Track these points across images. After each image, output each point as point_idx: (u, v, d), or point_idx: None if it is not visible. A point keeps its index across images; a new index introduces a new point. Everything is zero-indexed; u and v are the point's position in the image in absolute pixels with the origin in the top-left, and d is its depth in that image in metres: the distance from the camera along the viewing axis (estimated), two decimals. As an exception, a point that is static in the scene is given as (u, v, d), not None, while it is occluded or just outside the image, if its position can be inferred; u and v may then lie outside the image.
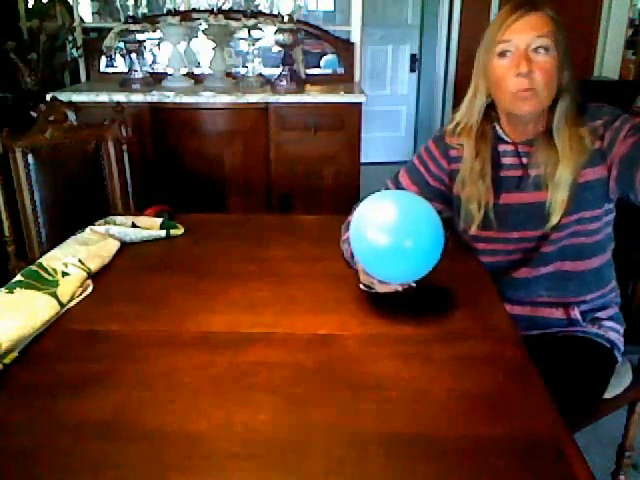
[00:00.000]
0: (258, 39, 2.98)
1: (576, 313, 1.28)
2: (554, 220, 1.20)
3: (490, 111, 1.27)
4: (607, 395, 1.30)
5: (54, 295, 1.13)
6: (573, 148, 1.17)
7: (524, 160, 1.26)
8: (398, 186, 1.38)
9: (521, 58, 1.14)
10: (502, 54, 1.17)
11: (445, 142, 1.34)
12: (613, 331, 1.31)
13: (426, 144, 1.38)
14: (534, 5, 1.16)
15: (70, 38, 3.09)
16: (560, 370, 1.17)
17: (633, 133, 1.11)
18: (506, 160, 1.28)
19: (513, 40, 1.15)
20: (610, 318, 1.32)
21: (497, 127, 1.28)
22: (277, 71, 2.95)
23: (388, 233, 1.04)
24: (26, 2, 3.09)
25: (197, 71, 3.17)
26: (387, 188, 1.39)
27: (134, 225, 1.49)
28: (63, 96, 2.24)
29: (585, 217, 1.22)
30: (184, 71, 3.04)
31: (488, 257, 1.32)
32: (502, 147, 1.28)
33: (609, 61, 4.38)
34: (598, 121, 1.18)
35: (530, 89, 1.15)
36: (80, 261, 1.26)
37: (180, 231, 1.51)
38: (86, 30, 3.21)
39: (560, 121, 1.19)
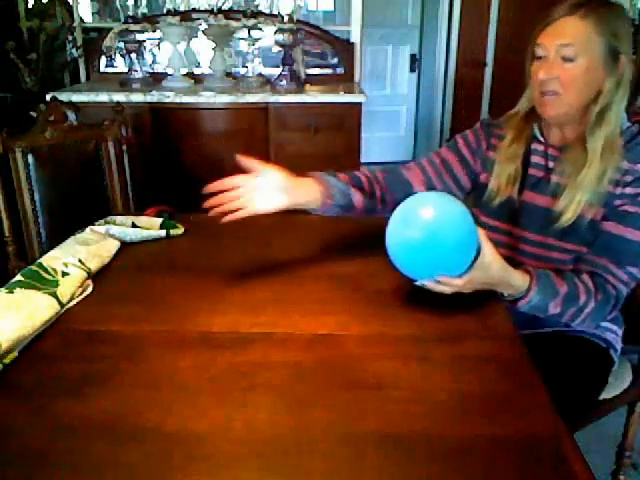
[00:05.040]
0: (258, 39, 2.98)
1: None
2: (564, 220, 1.18)
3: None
4: (607, 395, 1.30)
5: (54, 295, 1.12)
6: (603, 156, 1.15)
7: (550, 164, 1.26)
8: (439, 154, 1.39)
9: (547, 64, 1.15)
10: (537, 57, 1.18)
11: (491, 127, 1.36)
12: (610, 331, 1.32)
13: (474, 126, 1.41)
14: (571, 9, 1.13)
15: (70, 38, 3.10)
16: (555, 369, 1.16)
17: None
18: (533, 158, 1.29)
19: (543, 45, 1.16)
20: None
21: (535, 126, 1.29)
22: (277, 71, 2.95)
23: (422, 229, 1.01)
24: (26, 2, 3.09)
25: (197, 71, 3.17)
26: (428, 159, 1.39)
27: (134, 225, 1.49)
28: (63, 96, 2.24)
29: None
30: (184, 71, 3.04)
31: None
32: (534, 145, 1.29)
33: (609, 61, 4.37)
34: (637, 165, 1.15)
35: (553, 93, 1.15)
36: (80, 261, 1.26)
37: (180, 231, 1.51)
38: (86, 30, 3.21)
39: (593, 126, 1.16)
